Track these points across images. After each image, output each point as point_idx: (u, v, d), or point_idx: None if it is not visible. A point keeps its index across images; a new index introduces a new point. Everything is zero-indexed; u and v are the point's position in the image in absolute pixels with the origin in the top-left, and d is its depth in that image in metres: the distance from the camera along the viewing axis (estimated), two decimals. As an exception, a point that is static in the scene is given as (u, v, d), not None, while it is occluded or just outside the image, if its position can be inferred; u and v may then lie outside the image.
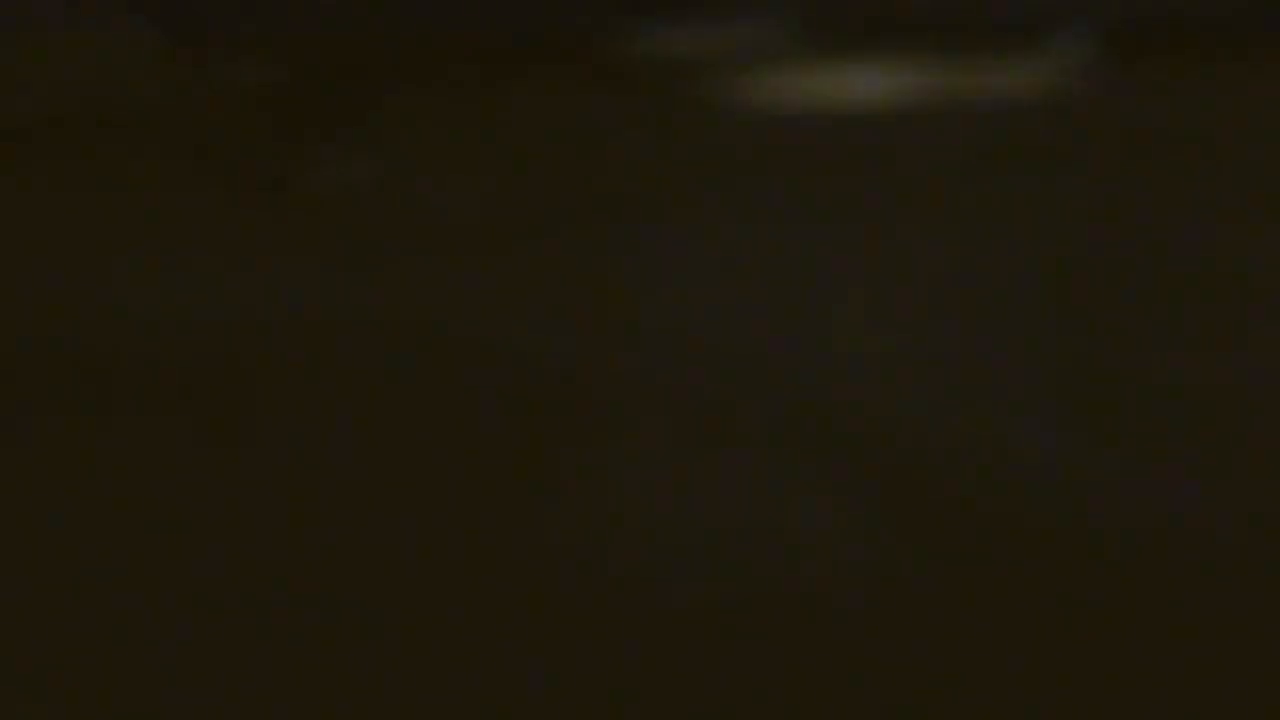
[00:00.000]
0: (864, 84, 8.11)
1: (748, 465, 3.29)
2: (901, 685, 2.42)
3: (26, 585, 2.79)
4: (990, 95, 7.91)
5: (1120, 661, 2.48)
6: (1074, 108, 7.60)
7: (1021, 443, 3.38)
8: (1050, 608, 2.65)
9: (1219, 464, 3.25)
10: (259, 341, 4.13)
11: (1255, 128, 6.95)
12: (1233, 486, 3.14)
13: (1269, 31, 8.52)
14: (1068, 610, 2.64)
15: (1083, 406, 3.59)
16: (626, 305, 4.44)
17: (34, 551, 2.93)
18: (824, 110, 7.64)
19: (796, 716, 2.34)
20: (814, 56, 8.54)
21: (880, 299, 4.46)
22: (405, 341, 4.13)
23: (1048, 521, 2.98)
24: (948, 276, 4.68)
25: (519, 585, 2.76)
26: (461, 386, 3.80)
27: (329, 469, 3.30)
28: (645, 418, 3.56)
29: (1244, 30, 8.59)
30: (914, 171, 6.23)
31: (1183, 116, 7.29)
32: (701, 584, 2.76)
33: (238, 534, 2.98)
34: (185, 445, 3.43)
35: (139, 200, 5.79)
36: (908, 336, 4.12)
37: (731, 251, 5.05)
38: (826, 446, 3.38)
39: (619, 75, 8.33)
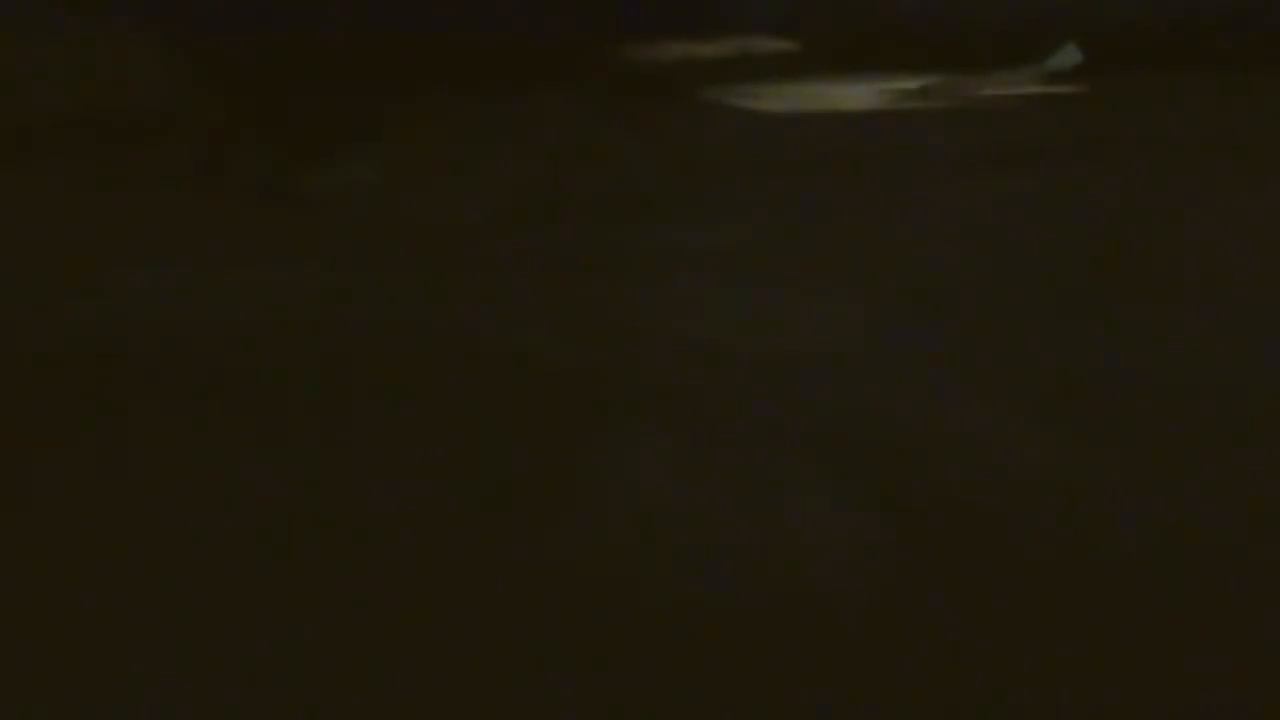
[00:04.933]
0: (859, 90, 8.12)
1: (748, 465, 3.29)
2: (900, 680, 2.43)
3: (28, 577, 2.80)
4: (981, 100, 7.92)
5: (1118, 657, 2.48)
6: (1063, 112, 7.61)
7: (1018, 442, 3.38)
8: (1048, 606, 2.66)
9: (1214, 463, 3.26)
10: (258, 341, 4.14)
11: (1243, 132, 6.95)
12: (1229, 486, 3.15)
13: (1252, 40, 8.52)
14: (1065, 608, 2.65)
15: (1079, 406, 3.60)
16: (626, 305, 4.45)
17: (36, 545, 2.93)
18: (820, 115, 7.64)
19: (797, 712, 2.35)
20: (811, 63, 8.54)
21: (877, 298, 4.47)
22: (404, 342, 4.14)
23: (1045, 520, 2.98)
24: (944, 276, 4.68)
25: (519, 583, 2.77)
26: (461, 386, 3.81)
27: (328, 466, 3.30)
28: (645, 418, 3.57)
29: (1229, 38, 8.59)
30: (908, 173, 6.24)
31: (1170, 120, 7.29)
32: (701, 581, 2.77)
33: (237, 530, 2.99)
34: (183, 443, 3.44)
35: (139, 201, 5.79)
36: (906, 336, 4.13)
37: (731, 251, 5.06)
38: (826, 446, 3.39)
39: (617, 82, 8.32)
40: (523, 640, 2.55)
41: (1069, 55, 8.29)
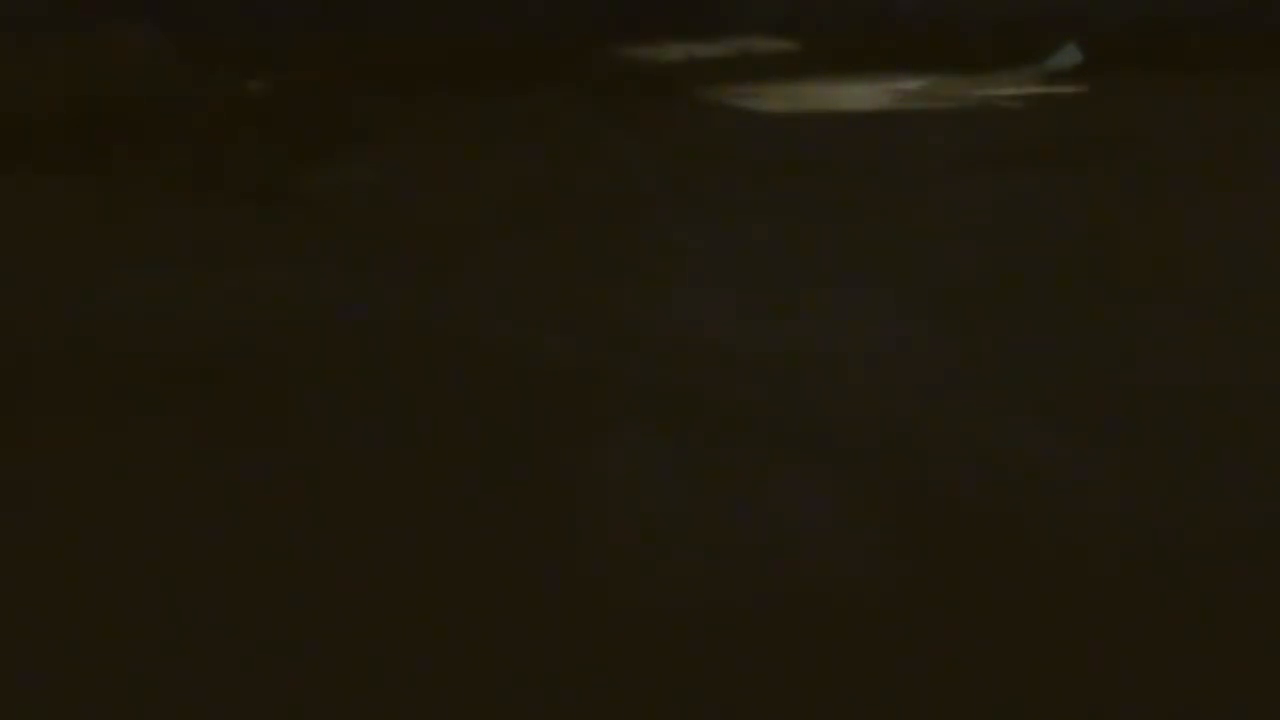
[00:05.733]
0: (859, 90, 8.11)
1: (748, 465, 3.29)
2: (902, 680, 2.43)
3: (28, 576, 2.80)
4: (981, 100, 7.92)
5: (1115, 657, 2.48)
6: (1063, 112, 7.60)
7: (1019, 442, 3.38)
8: (1047, 606, 2.66)
9: (1214, 463, 3.26)
10: (256, 341, 4.13)
11: (1244, 132, 6.95)
12: (1230, 486, 3.15)
13: (1251, 40, 8.52)
14: (1064, 609, 2.65)
15: (1080, 405, 3.60)
16: (625, 305, 4.44)
17: (36, 543, 2.93)
18: (821, 115, 7.64)
19: (796, 712, 2.35)
20: (811, 64, 8.53)
21: (878, 298, 4.46)
22: (403, 341, 4.13)
23: (1045, 521, 2.98)
24: (944, 276, 4.68)
25: (517, 582, 2.76)
26: (459, 385, 3.81)
27: (326, 465, 3.30)
28: (645, 418, 3.57)
29: (1229, 38, 8.58)
30: (908, 173, 6.24)
31: (1170, 119, 7.29)
32: (700, 581, 2.77)
33: (236, 529, 2.99)
34: (181, 442, 3.43)
35: (139, 201, 5.79)
36: (906, 335, 4.13)
37: (730, 252, 5.05)
38: (826, 446, 3.39)
39: (617, 82, 8.31)
40: (523, 639, 2.55)
41: (1069, 55, 8.29)
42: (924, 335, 4.11)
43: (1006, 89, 7.97)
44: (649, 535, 2.94)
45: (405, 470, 3.27)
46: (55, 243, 5.17)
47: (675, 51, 8.43)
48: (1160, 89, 7.90)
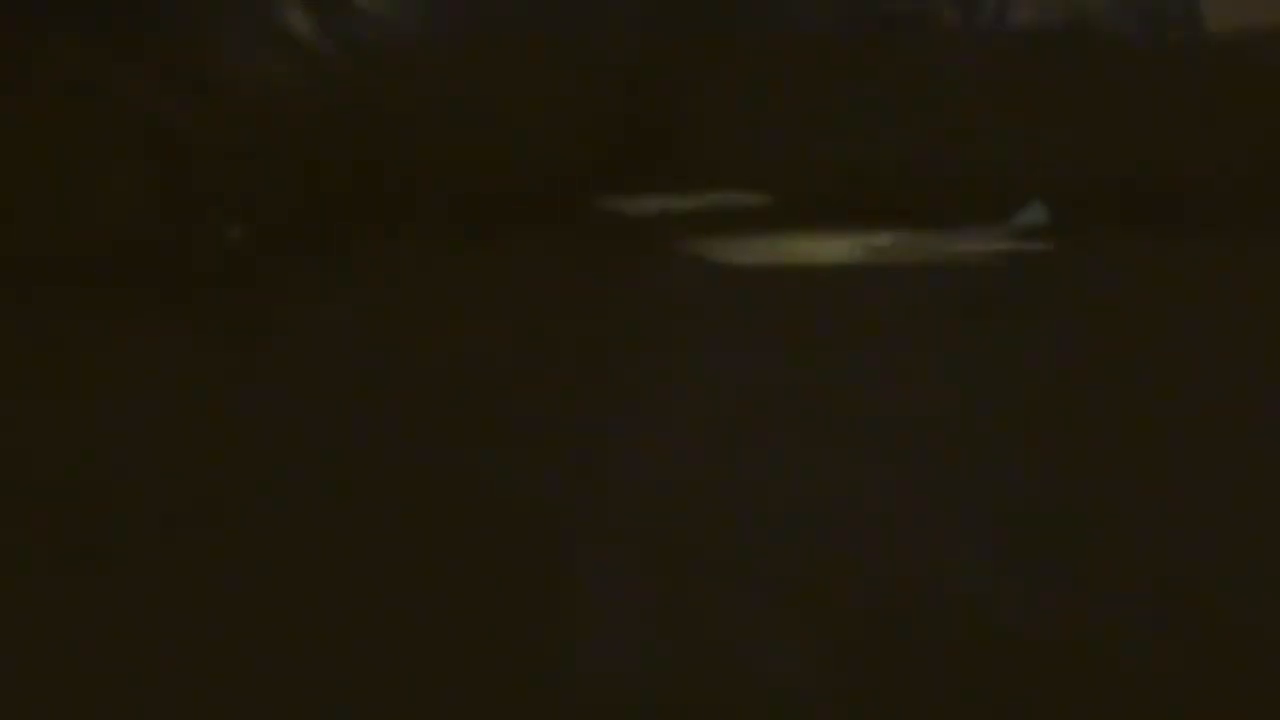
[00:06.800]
0: (832, 243, 8.20)
1: (714, 603, 3.31)
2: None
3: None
4: (951, 256, 8.01)
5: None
6: (1030, 268, 7.69)
7: (979, 584, 3.40)
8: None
9: (1171, 603, 3.29)
10: (234, 469, 4.15)
11: (1200, 290, 7.04)
12: (1184, 625, 3.18)
13: (1214, 203, 8.64)
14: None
15: (1039, 548, 3.63)
16: (597, 448, 4.47)
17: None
18: (794, 266, 7.71)
19: None
20: (785, 218, 8.63)
21: (846, 442, 4.50)
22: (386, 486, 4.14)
23: (1004, 663, 3.00)
24: (911, 421, 4.73)
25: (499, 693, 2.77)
26: (433, 533, 3.82)
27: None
28: (614, 555, 3.58)
29: (1191, 202, 8.70)
30: (878, 325, 6.29)
31: (1131, 277, 7.38)
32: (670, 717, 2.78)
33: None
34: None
35: (108, 334, 5.82)
36: (870, 478, 4.16)
37: (702, 398, 5.08)
38: (789, 584, 3.40)
39: (590, 233, 8.38)
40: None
41: (1034, 213, 8.39)
42: (890, 480, 4.15)
43: (974, 245, 8.06)
44: (615, 674, 2.95)
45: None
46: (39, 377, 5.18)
47: (649, 203, 8.51)
48: (1118, 251, 7.98)
